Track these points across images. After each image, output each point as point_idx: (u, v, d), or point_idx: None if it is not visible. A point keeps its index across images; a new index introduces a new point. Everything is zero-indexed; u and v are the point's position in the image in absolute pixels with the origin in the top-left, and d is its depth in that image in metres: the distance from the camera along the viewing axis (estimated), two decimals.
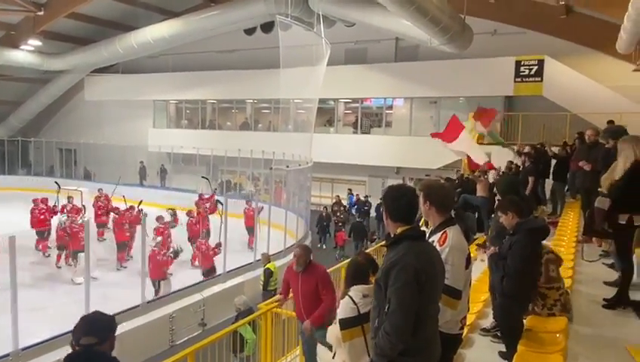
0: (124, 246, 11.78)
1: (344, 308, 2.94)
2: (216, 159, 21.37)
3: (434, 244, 2.81)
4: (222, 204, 11.59)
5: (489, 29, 17.21)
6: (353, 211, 17.13)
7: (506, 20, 16.86)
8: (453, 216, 2.99)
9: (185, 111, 25.34)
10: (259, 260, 11.33)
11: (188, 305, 9.09)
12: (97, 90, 25.37)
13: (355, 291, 3.00)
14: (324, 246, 14.69)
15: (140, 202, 12.73)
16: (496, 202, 6.22)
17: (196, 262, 11.38)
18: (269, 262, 9.65)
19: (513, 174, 9.47)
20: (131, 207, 12.47)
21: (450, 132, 12.23)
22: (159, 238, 10.20)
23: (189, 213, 12.67)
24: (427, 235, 2.95)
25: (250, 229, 13.25)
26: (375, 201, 17.38)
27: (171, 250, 9.86)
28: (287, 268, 5.13)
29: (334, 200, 17.43)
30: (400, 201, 2.49)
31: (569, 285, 4.62)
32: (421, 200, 2.84)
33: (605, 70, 15.57)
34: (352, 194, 19.04)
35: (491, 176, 10.53)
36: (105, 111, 25.23)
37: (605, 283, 5.13)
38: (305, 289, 4.80)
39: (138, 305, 8.29)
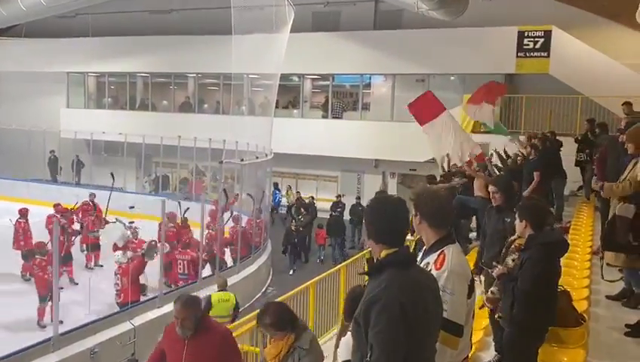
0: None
1: (349, 348, 2.88)
2: (149, 148, 21.00)
3: (429, 268, 2.79)
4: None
5: None
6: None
7: None
8: (452, 231, 2.97)
9: (108, 86, 24.72)
10: (206, 277, 11.29)
11: (114, 337, 8.84)
12: None
13: None
14: (290, 272, 14.30)
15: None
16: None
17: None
18: (224, 288, 9.22)
19: (513, 172, 9.71)
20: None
21: (426, 107, 11.93)
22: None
23: None
24: (420, 256, 2.97)
25: None
26: (350, 201, 17.55)
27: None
28: (165, 331, 4.27)
29: (293, 201, 17.45)
30: (385, 217, 2.46)
31: (585, 308, 4.80)
32: (412, 212, 2.84)
33: (622, 44, 16.16)
34: (278, 190, 19.10)
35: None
36: (1, 86, 24.24)
37: (608, 297, 5.37)
38: None
39: (49, 339, 8.06)
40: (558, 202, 10.40)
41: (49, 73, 23.70)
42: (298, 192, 19.04)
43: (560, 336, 4.31)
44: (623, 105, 11.04)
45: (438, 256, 2.79)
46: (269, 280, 14.19)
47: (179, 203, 14.15)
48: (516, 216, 3.85)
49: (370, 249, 2.60)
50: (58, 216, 12.86)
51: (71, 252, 12.39)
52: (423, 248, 3.00)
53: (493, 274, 3.79)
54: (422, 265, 2.86)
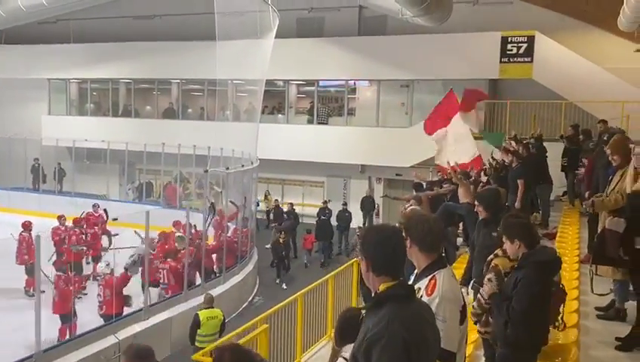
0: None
1: None
2: (133, 155, 20.79)
3: (420, 294, 2.75)
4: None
5: None
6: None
7: None
8: (442, 255, 2.93)
9: (91, 93, 24.44)
10: (193, 287, 11.15)
11: (98, 351, 8.73)
12: None
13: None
14: (283, 286, 13.91)
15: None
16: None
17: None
18: (211, 306, 8.99)
19: (498, 178, 9.71)
20: None
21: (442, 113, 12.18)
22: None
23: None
24: (411, 281, 2.92)
25: None
26: (336, 207, 17.50)
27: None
28: None
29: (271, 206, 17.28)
30: (384, 247, 2.36)
31: (575, 322, 4.78)
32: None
33: (604, 50, 16.36)
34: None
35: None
36: None
37: (597, 309, 5.36)
38: None
39: (31, 356, 7.88)
40: (543, 208, 10.43)
41: (30, 80, 23.38)
42: (276, 200, 18.94)
43: (550, 352, 4.27)
44: (598, 123, 11.14)
45: (430, 281, 2.77)
46: (255, 290, 14.07)
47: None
48: (504, 238, 3.80)
49: (356, 260, 2.53)
50: (62, 228, 12.63)
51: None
52: (414, 272, 2.96)
53: (483, 294, 3.73)
54: None
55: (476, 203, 5.11)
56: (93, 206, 14.72)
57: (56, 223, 13.13)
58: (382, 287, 2.33)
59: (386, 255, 2.36)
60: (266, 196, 19.98)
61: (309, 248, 16.14)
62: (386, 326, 2.20)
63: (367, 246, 2.41)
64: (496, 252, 4.05)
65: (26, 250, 11.82)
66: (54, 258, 11.50)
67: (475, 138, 14.14)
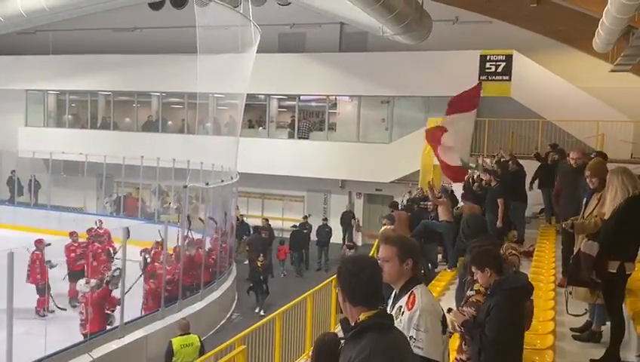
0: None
1: None
2: (111, 168, 20.57)
3: (401, 311, 2.83)
4: None
5: (450, 16, 17.90)
6: None
7: (468, 6, 17.61)
8: (417, 274, 3.04)
9: (69, 104, 24.16)
10: (170, 305, 10.99)
11: None
12: None
13: None
14: (262, 312, 12.79)
15: None
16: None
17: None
18: (186, 332, 8.57)
19: (475, 197, 9.79)
20: None
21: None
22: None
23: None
24: (391, 302, 3.01)
25: None
26: (316, 222, 17.47)
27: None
28: None
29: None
30: (360, 278, 2.39)
31: (550, 344, 4.80)
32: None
33: (579, 69, 16.67)
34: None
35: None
36: None
37: (573, 330, 5.40)
38: None
39: None
40: (519, 225, 10.54)
41: (7, 90, 22.98)
42: (242, 214, 18.84)
43: None
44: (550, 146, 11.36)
45: (409, 297, 2.85)
46: (233, 306, 13.92)
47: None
48: (474, 268, 3.82)
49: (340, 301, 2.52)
50: (75, 244, 12.25)
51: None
52: (393, 293, 3.02)
53: (455, 320, 3.72)
54: (395, 309, 2.91)
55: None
56: (97, 222, 14.20)
57: (31, 236, 12.86)
58: (362, 317, 2.37)
59: (362, 286, 2.39)
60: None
61: (282, 259, 16.28)
62: (369, 356, 2.24)
63: (343, 278, 2.45)
64: (476, 288, 4.03)
65: (39, 269, 11.25)
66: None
67: None
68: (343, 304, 2.46)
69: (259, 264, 13.43)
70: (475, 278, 3.89)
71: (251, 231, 17.07)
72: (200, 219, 14.33)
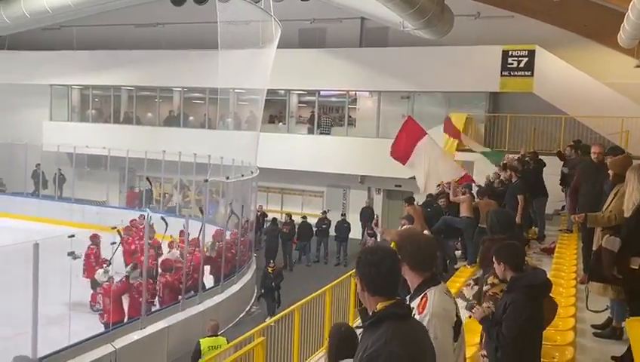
0: None
1: None
2: (133, 162, 20.80)
3: (413, 313, 2.76)
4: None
5: (471, 11, 17.74)
6: None
7: (490, 1, 17.43)
8: (436, 273, 2.96)
9: (92, 99, 24.51)
10: (190, 297, 11.13)
11: (95, 360, 8.69)
12: None
13: None
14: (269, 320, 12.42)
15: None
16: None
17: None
18: (215, 334, 8.49)
19: (497, 194, 9.71)
20: None
21: (404, 141, 11.75)
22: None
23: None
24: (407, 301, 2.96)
25: None
26: (335, 217, 17.50)
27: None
28: None
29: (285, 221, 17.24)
30: (379, 268, 2.41)
31: (571, 340, 4.77)
32: None
33: (604, 64, 16.39)
34: None
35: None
36: None
37: (594, 327, 5.35)
38: None
39: None
40: (539, 221, 10.45)
41: (32, 85, 23.45)
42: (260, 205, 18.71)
43: None
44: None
45: (421, 299, 2.80)
46: (253, 299, 14.03)
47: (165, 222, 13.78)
48: (494, 258, 3.81)
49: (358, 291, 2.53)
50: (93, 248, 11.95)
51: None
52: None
53: (474, 316, 3.73)
54: None
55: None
56: (140, 217, 13.98)
57: (55, 228, 13.06)
58: (380, 306, 2.39)
59: (380, 276, 2.41)
60: None
61: (283, 245, 16.45)
62: (385, 344, 2.25)
63: (362, 267, 2.46)
64: (490, 281, 4.03)
65: (94, 263, 11.38)
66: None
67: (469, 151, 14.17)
68: (361, 293, 2.48)
69: (270, 269, 12.72)
70: (487, 275, 3.89)
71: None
72: (200, 210, 13.98)
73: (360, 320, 2.67)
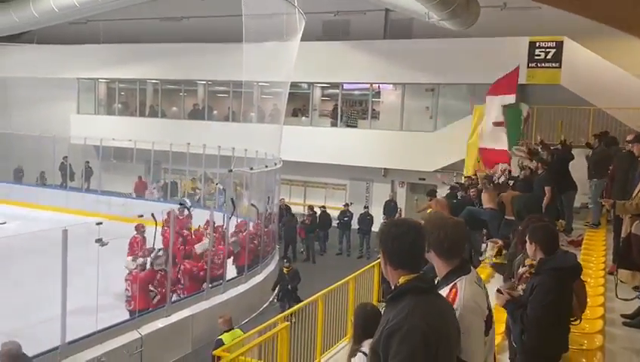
0: None
1: None
2: (159, 155, 21.04)
3: None
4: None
5: (497, 2, 17.51)
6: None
7: None
8: (465, 260, 2.78)
9: (118, 93, 24.87)
10: (213, 286, 11.25)
11: (121, 346, 8.85)
12: (3, 65, 24.47)
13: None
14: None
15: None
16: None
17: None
18: (231, 328, 8.40)
19: (524, 184, 9.59)
20: None
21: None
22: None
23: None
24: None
25: None
26: (358, 210, 17.48)
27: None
28: None
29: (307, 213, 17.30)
30: (402, 241, 2.36)
31: (600, 328, 4.71)
32: None
33: (634, 56, 16.04)
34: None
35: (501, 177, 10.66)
36: (13, 92, 24.34)
37: (623, 316, 5.26)
38: None
39: (57, 347, 8.04)
40: (567, 214, 10.28)
41: (60, 79, 23.85)
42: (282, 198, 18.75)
43: (574, 358, 4.22)
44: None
45: (451, 289, 2.64)
46: (276, 290, 14.11)
47: (186, 207, 13.86)
48: (527, 237, 3.76)
49: (382, 267, 2.49)
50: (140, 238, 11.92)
51: None
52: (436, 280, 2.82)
53: (497, 301, 3.67)
54: None
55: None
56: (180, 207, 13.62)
57: (82, 220, 13.24)
58: (402, 280, 2.36)
59: (404, 249, 2.37)
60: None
61: (303, 237, 16.76)
62: (406, 317, 2.22)
63: (385, 240, 2.42)
64: (527, 263, 3.90)
65: (139, 252, 11.34)
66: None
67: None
68: (384, 267, 2.44)
69: (285, 270, 12.04)
70: (520, 256, 3.84)
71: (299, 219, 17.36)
72: (232, 201, 13.96)
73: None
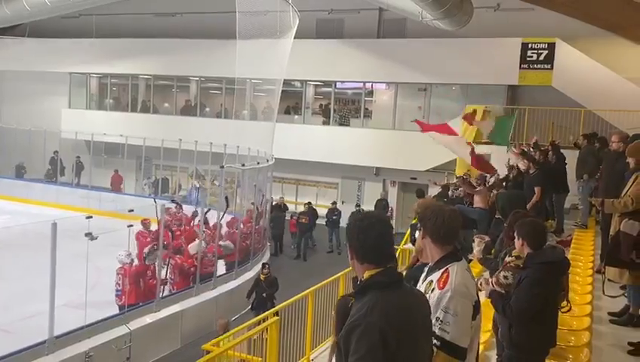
0: None
1: None
2: (150, 151, 20.97)
3: (432, 286, 2.69)
4: None
5: (491, 2, 17.60)
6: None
7: None
8: (458, 248, 2.85)
9: (110, 88, 24.74)
10: (204, 281, 11.21)
11: (109, 341, 8.81)
12: None
13: None
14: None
15: None
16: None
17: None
18: (226, 330, 8.22)
19: (515, 184, 9.64)
20: None
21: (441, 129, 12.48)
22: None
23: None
24: (424, 273, 2.88)
25: None
26: (349, 209, 17.47)
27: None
28: None
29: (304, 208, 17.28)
30: (367, 235, 2.29)
31: (587, 325, 4.75)
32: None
33: (625, 58, 16.20)
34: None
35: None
36: (3, 86, 24.26)
37: (611, 314, 5.31)
38: None
39: (44, 341, 7.98)
40: (558, 215, 10.35)
41: (52, 73, 23.69)
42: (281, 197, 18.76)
43: (561, 353, 4.25)
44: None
45: (442, 274, 2.68)
46: (251, 298, 14.08)
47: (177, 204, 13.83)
48: (515, 233, 3.78)
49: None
50: (146, 232, 11.82)
51: None
52: (427, 265, 2.90)
53: (484, 293, 3.69)
54: (425, 283, 2.79)
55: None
56: (174, 204, 13.77)
57: (72, 214, 13.17)
58: (366, 275, 2.30)
59: (369, 243, 2.30)
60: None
61: (294, 231, 16.83)
62: (365, 314, 2.16)
63: (350, 234, 2.36)
64: (514, 254, 3.93)
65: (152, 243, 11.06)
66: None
67: (487, 143, 14.09)
68: (350, 261, 2.38)
69: (262, 277, 11.17)
70: (510, 248, 3.86)
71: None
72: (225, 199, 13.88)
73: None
